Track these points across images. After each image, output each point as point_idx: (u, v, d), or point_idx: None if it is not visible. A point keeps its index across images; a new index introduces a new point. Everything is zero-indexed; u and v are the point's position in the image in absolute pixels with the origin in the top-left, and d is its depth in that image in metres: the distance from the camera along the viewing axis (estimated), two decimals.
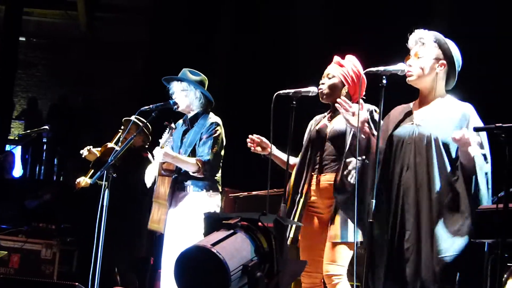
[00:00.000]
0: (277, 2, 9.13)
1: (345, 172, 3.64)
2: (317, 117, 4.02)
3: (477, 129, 3.05)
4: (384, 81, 3.25)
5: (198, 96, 4.54)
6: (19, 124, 13.10)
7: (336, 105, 3.44)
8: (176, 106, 4.50)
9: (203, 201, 4.38)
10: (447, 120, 3.21)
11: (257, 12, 9.32)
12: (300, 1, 9.00)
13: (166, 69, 5.14)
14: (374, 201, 3.16)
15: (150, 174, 4.57)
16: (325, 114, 3.98)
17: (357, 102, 3.43)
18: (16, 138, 12.52)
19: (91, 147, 5.76)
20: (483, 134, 3.17)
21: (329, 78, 3.90)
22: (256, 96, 6.70)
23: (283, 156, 3.94)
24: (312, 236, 3.82)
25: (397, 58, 3.38)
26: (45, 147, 12.17)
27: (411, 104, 3.45)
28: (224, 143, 4.55)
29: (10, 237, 7.13)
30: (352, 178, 3.57)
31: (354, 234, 3.52)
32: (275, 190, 4.90)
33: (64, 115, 11.76)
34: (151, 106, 4.39)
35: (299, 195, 3.84)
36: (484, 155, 3.12)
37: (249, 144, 3.98)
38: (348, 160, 3.65)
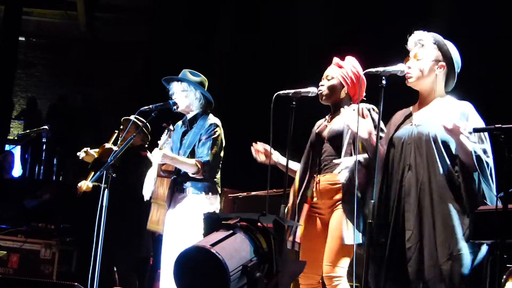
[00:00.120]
0: (277, 2, 9.13)
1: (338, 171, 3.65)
2: (319, 122, 4.03)
3: (476, 130, 3.05)
4: (384, 82, 3.25)
5: (198, 96, 4.54)
6: (18, 124, 13.10)
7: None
8: (175, 107, 4.50)
9: (202, 204, 4.37)
10: (446, 119, 3.21)
11: (257, 12, 9.32)
12: (300, 1, 8.99)
13: (166, 69, 5.14)
14: (373, 201, 3.17)
15: (149, 185, 4.55)
16: (326, 117, 3.99)
17: (358, 103, 3.43)
18: (16, 138, 12.53)
19: (88, 148, 5.75)
20: None
21: (328, 80, 3.90)
22: (256, 97, 6.70)
23: (291, 165, 3.95)
24: (312, 237, 3.82)
25: (397, 59, 3.38)
26: (44, 147, 12.16)
27: (411, 108, 3.45)
28: (224, 144, 4.54)
29: (10, 237, 7.13)
30: (345, 178, 3.56)
31: (354, 235, 3.51)
32: (275, 190, 4.89)
33: (64, 115, 11.76)
34: (150, 106, 4.38)
35: (299, 198, 3.84)
36: (484, 150, 3.11)
37: (254, 155, 3.97)
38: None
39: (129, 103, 9.19)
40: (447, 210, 3.10)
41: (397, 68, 3.31)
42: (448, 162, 3.16)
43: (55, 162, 12.13)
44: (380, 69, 3.28)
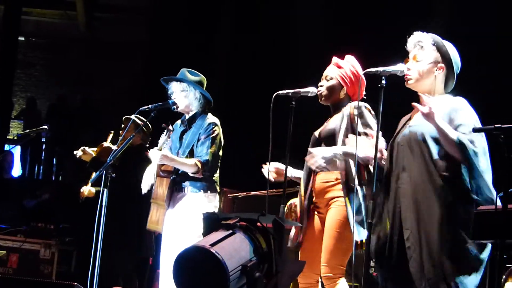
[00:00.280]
0: (277, 2, 9.14)
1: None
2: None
3: (476, 130, 3.05)
4: (384, 82, 3.25)
5: (197, 96, 4.54)
6: (18, 124, 13.09)
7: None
8: (175, 106, 4.50)
9: (200, 202, 4.37)
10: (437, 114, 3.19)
11: (257, 12, 9.33)
12: (300, 1, 9.01)
13: (166, 69, 5.14)
14: (372, 201, 3.19)
15: (147, 180, 4.55)
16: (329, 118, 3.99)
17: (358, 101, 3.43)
18: (15, 138, 12.53)
19: (86, 147, 5.74)
20: (474, 122, 3.15)
21: (328, 80, 3.90)
22: (256, 96, 6.70)
23: (298, 173, 3.96)
24: (311, 236, 3.82)
25: (397, 59, 3.38)
26: (44, 147, 12.16)
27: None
28: (222, 143, 4.54)
29: (9, 236, 7.13)
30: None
31: (353, 235, 3.51)
32: (274, 190, 4.89)
33: (63, 115, 11.75)
34: (150, 106, 4.38)
35: (307, 200, 3.85)
36: (471, 140, 3.09)
37: (266, 176, 3.92)
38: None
39: (129, 103, 9.17)
40: (442, 209, 3.09)
41: (397, 68, 3.30)
42: (439, 159, 3.15)
43: (54, 162, 12.13)
44: (380, 69, 3.28)
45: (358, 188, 3.62)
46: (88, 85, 12.61)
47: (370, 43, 7.26)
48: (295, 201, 5.48)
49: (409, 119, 3.41)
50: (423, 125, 3.20)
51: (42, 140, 12.01)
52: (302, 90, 3.83)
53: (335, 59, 3.95)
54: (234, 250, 2.98)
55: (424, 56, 3.32)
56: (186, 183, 4.43)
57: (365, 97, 3.84)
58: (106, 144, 5.74)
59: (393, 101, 3.42)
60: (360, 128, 3.65)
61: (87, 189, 5.77)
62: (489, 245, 3.07)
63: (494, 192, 3.06)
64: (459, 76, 3.39)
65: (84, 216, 5.53)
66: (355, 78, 3.85)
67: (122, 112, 5.90)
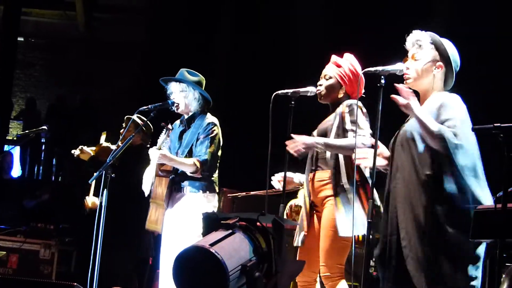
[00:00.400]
0: (277, 2, 9.14)
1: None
2: None
3: (475, 130, 3.04)
4: (383, 81, 3.25)
5: (197, 96, 4.54)
6: (17, 124, 13.09)
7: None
8: (174, 107, 4.49)
9: (199, 202, 4.37)
10: (426, 112, 3.19)
11: (257, 12, 9.33)
12: (300, 1, 9.01)
13: (165, 69, 5.13)
14: (372, 201, 3.20)
15: (148, 181, 4.54)
16: None
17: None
18: (15, 138, 12.53)
19: (84, 146, 5.73)
20: (461, 117, 3.13)
21: (326, 79, 3.90)
22: (256, 96, 6.70)
23: (301, 177, 3.99)
24: (311, 235, 3.82)
25: (397, 58, 3.38)
26: (43, 147, 12.15)
27: None
28: (221, 143, 4.54)
29: (9, 237, 7.12)
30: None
31: (352, 234, 3.51)
32: (274, 190, 4.89)
33: (63, 115, 11.74)
34: (149, 106, 4.38)
35: (307, 198, 3.85)
36: (454, 133, 3.07)
37: (275, 186, 3.97)
38: (329, 157, 3.71)
39: (128, 103, 9.15)
40: (427, 207, 3.08)
41: (396, 67, 3.31)
42: (428, 156, 3.14)
43: (54, 163, 12.12)
44: (379, 68, 3.29)
45: (349, 187, 3.61)
46: (88, 85, 12.60)
47: (370, 43, 7.26)
48: (295, 201, 5.51)
49: (409, 119, 3.41)
50: (413, 123, 3.20)
51: (42, 140, 12.01)
52: (301, 89, 3.83)
53: (334, 58, 3.95)
54: (234, 250, 2.98)
55: (422, 55, 3.32)
56: (185, 183, 4.43)
57: (364, 96, 3.84)
58: (106, 143, 5.73)
59: (392, 100, 3.42)
60: (347, 125, 3.66)
61: (91, 201, 5.72)
62: (484, 244, 3.07)
63: (483, 192, 3.06)
64: (459, 76, 3.38)
65: (84, 216, 5.53)
66: (354, 76, 3.85)
67: (122, 112, 5.88)
